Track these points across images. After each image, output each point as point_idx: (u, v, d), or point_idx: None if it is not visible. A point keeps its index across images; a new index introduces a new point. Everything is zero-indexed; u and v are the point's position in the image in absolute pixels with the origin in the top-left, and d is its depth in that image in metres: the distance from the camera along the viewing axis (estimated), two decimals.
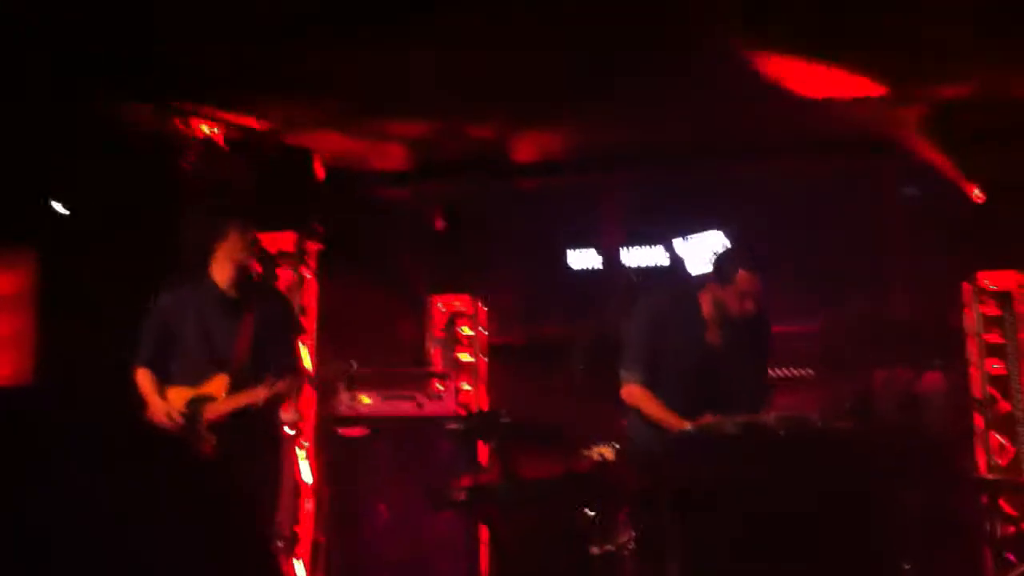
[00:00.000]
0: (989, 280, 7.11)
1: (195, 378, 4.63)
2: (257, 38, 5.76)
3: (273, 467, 4.82)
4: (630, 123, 7.07)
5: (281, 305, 4.98)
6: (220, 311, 4.71)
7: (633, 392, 4.86)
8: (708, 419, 4.56)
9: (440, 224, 7.67)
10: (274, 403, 4.68)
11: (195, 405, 4.56)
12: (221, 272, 4.74)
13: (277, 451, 4.99)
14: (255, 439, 4.58)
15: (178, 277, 4.91)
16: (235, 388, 4.54)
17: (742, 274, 4.85)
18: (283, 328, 4.81)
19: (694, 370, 4.84)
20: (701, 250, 7.41)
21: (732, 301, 4.87)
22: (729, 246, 5.04)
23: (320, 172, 7.33)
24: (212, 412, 4.53)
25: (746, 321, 4.90)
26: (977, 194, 6.83)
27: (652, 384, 4.87)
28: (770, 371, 5.72)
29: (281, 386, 4.58)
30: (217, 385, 4.58)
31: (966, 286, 7.15)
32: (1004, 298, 7.13)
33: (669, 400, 4.80)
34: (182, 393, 4.62)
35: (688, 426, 4.62)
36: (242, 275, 4.76)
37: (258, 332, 4.63)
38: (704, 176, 7.40)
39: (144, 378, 4.69)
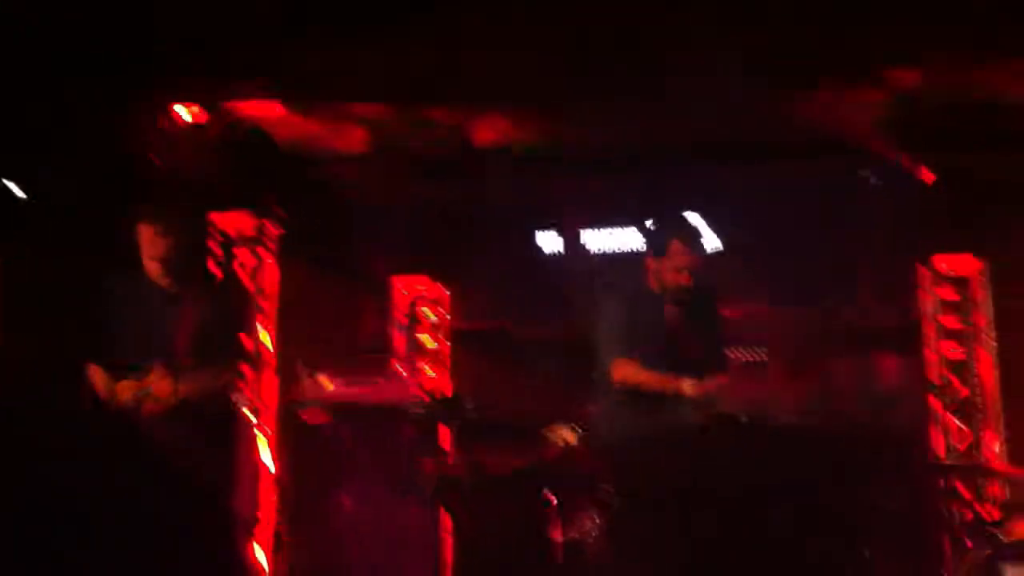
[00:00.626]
0: (946, 264, 7.19)
1: (140, 370, 4.59)
2: (215, 23, 5.71)
3: (226, 455, 4.76)
4: (596, 119, 7.09)
5: (227, 294, 4.90)
6: (162, 301, 4.64)
7: (628, 371, 4.85)
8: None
9: (404, 207, 7.63)
10: (218, 392, 4.61)
11: (141, 396, 4.52)
12: (160, 262, 4.67)
13: (231, 439, 4.91)
14: (205, 428, 4.53)
15: (127, 267, 4.85)
16: (178, 378, 4.49)
17: (675, 245, 4.88)
18: (228, 317, 4.73)
19: (662, 348, 4.87)
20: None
21: (668, 273, 4.89)
22: (661, 220, 5.08)
23: (280, 155, 7.27)
24: (154, 403, 4.48)
25: (697, 297, 4.94)
26: (927, 176, 6.91)
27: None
28: (731, 353, 5.77)
29: (224, 376, 4.52)
30: (159, 376, 4.51)
31: (923, 270, 7.22)
32: (961, 283, 7.23)
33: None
34: (130, 385, 4.59)
35: (687, 386, 4.66)
36: (184, 264, 4.67)
37: (202, 322, 4.57)
38: (661, 174, 7.42)
39: (95, 371, 4.66)
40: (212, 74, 6.28)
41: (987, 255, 7.12)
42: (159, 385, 4.47)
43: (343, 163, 7.80)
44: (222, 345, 4.61)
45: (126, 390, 4.51)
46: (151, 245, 4.64)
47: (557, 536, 4.69)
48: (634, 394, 4.75)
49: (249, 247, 7.22)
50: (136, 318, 4.62)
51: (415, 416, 5.98)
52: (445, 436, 6.11)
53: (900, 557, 5.03)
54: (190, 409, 4.47)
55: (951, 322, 7.19)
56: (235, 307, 4.96)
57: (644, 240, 5.05)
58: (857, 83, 6.71)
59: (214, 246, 7.18)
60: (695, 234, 4.95)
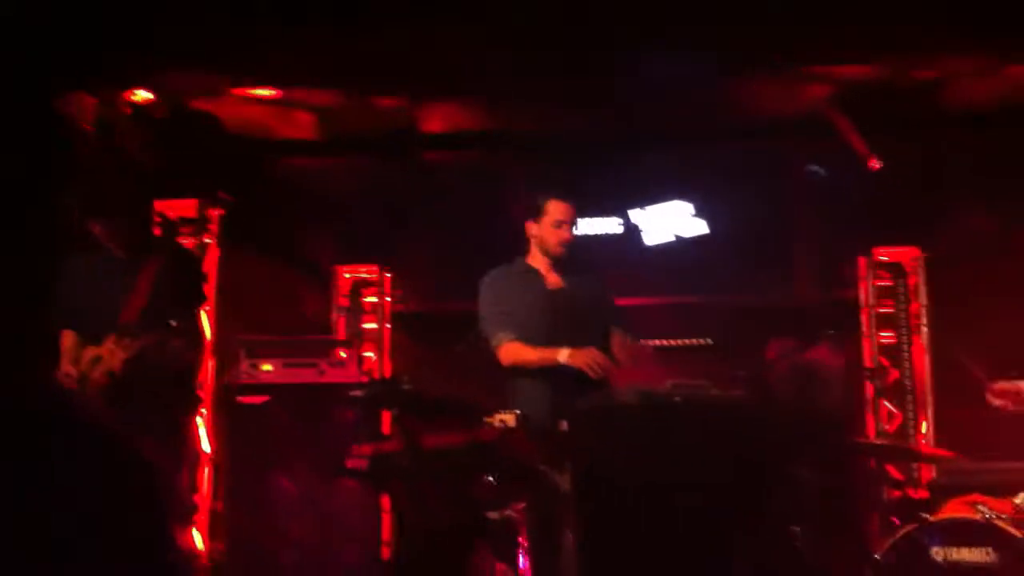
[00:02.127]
0: (886, 255, 7.31)
1: (95, 339, 4.59)
2: (162, 5, 5.67)
3: (172, 433, 4.75)
4: (541, 106, 7.12)
5: (178, 264, 4.86)
6: (112, 272, 4.63)
7: (509, 349, 4.91)
8: (589, 352, 4.66)
9: (355, 194, 7.62)
10: (165, 363, 4.59)
11: (91, 365, 4.52)
12: (113, 233, 4.67)
13: (176, 418, 4.91)
14: (152, 403, 4.51)
15: (82, 241, 4.84)
16: (125, 348, 4.48)
17: (552, 203, 4.89)
18: (177, 288, 4.71)
19: (546, 320, 4.90)
20: (660, 220, 7.51)
21: (548, 234, 4.90)
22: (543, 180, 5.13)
23: (224, 139, 7.23)
24: (99, 371, 4.47)
25: (579, 267, 4.98)
26: (874, 164, 7.00)
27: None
28: (670, 340, 5.82)
29: (173, 345, 4.51)
30: (109, 345, 4.51)
31: (862, 260, 7.34)
32: (897, 269, 7.35)
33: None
34: (87, 353, 4.59)
35: (564, 355, 4.70)
36: (132, 234, 4.68)
37: (153, 292, 4.55)
38: (610, 162, 7.47)
39: (66, 339, 4.66)
40: (157, 57, 6.23)
41: (924, 243, 7.25)
42: (111, 354, 4.45)
43: (287, 148, 7.78)
44: (170, 317, 4.58)
45: (84, 359, 4.50)
46: (98, 223, 4.63)
47: (492, 515, 4.71)
48: (565, 375, 4.80)
49: (191, 230, 7.18)
50: (88, 292, 4.61)
51: (355, 398, 5.98)
52: (384, 418, 6.12)
53: (829, 535, 5.12)
54: (136, 383, 4.45)
55: (887, 308, 7.32)
56: (188, 280, 4.92)
57: (526, 208, 5.04)
58: (800, 74, 6.81)
59: (156, 231, 7.14)
60: (570, 195, 4.95)
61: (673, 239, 7.44)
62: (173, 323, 4.50)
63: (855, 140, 6.87)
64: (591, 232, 7.55)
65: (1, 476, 3.58)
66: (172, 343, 4.56)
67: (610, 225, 7.65)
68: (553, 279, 5.03)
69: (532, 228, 5.00)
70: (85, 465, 3.91)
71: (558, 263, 4.99)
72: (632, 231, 7.59)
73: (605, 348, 4.97)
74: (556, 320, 4.91)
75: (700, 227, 7.54)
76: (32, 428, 3.91)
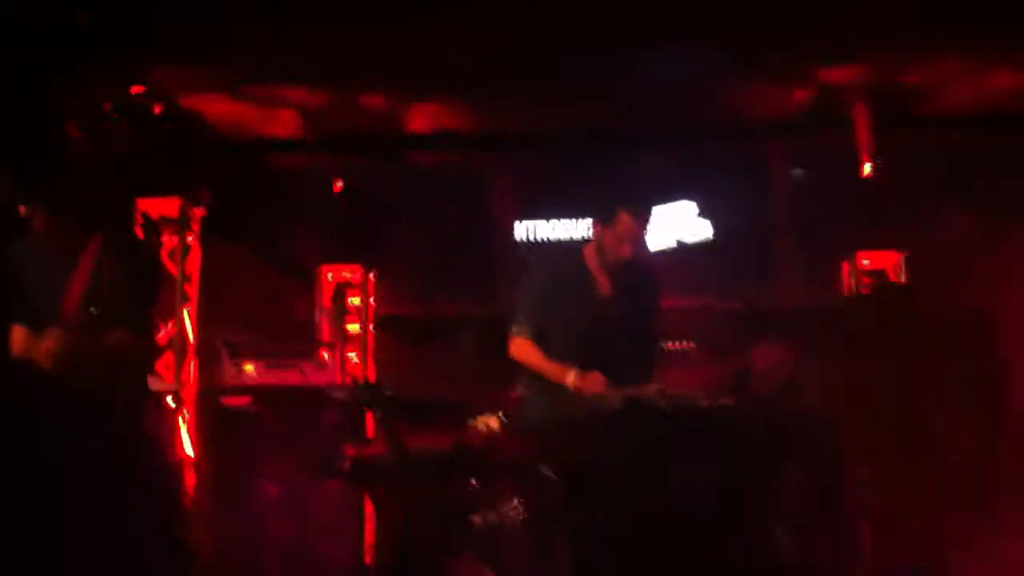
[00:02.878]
0: (869, 260, 7.34)
1: (41, 331, 4.48)
2: (147, 3, 5.64)
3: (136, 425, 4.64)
4: (527, 106, 7.12)
5: (132, 257, 4.72)
6: (54, 263, 4.52)
7: (520, 345, 4.83)
8: (595, 378, 4.59)
9: (336, 195, 7.57)
10: (106, 357, 4.45)
11: (43, 354, 4.41)
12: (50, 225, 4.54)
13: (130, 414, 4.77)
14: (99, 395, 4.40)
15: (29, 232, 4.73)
16: (68, 341, 4.35)
17: (623, 216, 4.78)
18: (128, 281, 4.57)
19: (587, 324, 4.82)
20: (666, 221, 7.49)
21: (611, 243, 4.82)
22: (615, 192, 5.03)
23: (209, 137, 7.19)
24: (50, 362, 4.34)
25: (634, 275, 4.90)
26: (867, 170, 7.03)
27: (542, 340, 4.83)
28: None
29: (110, 341, 4.39)
30: (50, 338, 4.39)
31: (845, 265, 7.36)
32: (880, 275, 7.37)
33: (563, 356, 4.80)
34: (35, 343, 4.47)
35: (571, 378, 4.64)
36: (72, 225, 4.53)
37: (97, 284, 4.43)
38: (597, 161, 7.46)
39: (16, 334, 4.55)
40: (142, 55, 6.20)
41: (905, 249, 7.28)
42: (48, 347, 4.34)
43: (272, 147, 7.75)
44: (118, 312, 4.47)
45: (33, 349, 4.40)
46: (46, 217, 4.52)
47: (477, 520, 4.69)
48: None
49: (174, 230, 7.14)
50: (47, 282, 4.51)
51: (337, 401, 5.95)
52: (368, 421, 6.09)
53: (820, 542, 5.12)
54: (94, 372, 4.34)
55: None
56: (146, 269, 4.79)
57: (594, 208, 4.95)
58: (789, 78, 6.83)
59: (138, 230, 7.10)
60: (644, 212, 4.88)
61: (675, 244, 7.44)
62: (93, 310, 4.35)
63: (866, 141, 6.92)
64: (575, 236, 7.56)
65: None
66: (111, 337, 4.42)
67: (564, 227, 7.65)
68: (604, 285, 4.97)
69: (598, 230, 4.90)
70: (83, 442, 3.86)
71: (612, 272, 4.91)
72: None
73: (651, 359, 4.91)
74: (599, 329, 4.84)
75: (704, 230, 7.52)
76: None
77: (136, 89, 6.66)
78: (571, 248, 5.07)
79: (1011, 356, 6.76)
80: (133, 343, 4.44)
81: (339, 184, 7.43)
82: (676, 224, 7.53)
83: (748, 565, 4.19)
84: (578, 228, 7.67)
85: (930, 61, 6.52)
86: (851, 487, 5.30)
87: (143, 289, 4.57)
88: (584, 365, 4.68)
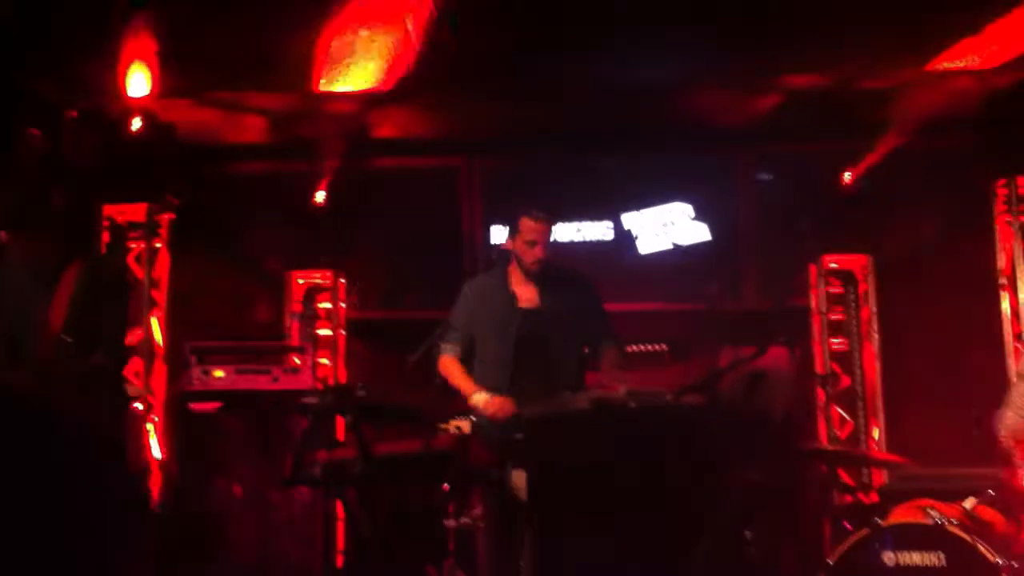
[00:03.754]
0: (836, 263, 7.40)
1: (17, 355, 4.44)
2: (110, 7, 5.61)
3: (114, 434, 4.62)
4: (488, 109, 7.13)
5: (106, 272, 4.69)
6: (34, 280, 4.48)
7: (443, 361, 5.01)
8: (503, 404, 4.73)
9: (307, 199, 7.56)
10: (99, 374, 4.44)
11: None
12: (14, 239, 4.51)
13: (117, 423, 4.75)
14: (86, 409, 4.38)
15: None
16: (47, 366, 4.33)
17: (524, 221, 4.93)
18: (105, 297, 4.55)
19: (513, 335, 4.91)
20: (655, 224, 7.52)
21: (522, 250, 4.95)
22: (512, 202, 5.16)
23: (175, 143, 7.15)
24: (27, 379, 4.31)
25: (563, 281, 5.00)
26: (847, 178, 7.11)
27: (470, 355, 5.00)
28: (627, 347, 5.82)
29: (96, 359, 4.38)
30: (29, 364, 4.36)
31: (812, 268, 7.42)
32: (847, 277, 7.44)
33: (494, 369, 4.90)
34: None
35: (478, 399, 4.77)
36: (45, 241, 4.50)
37: (77, 301, 4.41)
38: (560, 164, 7.49)
39: None
40: (105, 60, 6.16)
41: (873, 251, 7.35)
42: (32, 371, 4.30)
43: (239, 153, 7.71)
44: (103, 328, 4.45)
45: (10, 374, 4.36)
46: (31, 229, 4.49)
47: (449, 523, 4.70)
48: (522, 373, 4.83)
49: (141, 235, 7.11)
50: (14, 299, 4.46)
51: (307, 405, 5.93)
52: (338, 425, 6.08)
53: (781, 539, 5.16)
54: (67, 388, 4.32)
55: (837, 315, 7.41)
56: (118, 291, 4.77)
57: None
58: (750, 83, 6.88)
59: (105, 235, 7.06)
60: (542, 212, 4.97)
61: (671, 247, 7.48)
62: (68, 339, 4.35)
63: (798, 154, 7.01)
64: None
65: None
66: (90, 361, 4.41)
67: (569, 231, 7.66)
68: (528, 296, 5.02)
69: (508, 244, 5.02)
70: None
71: (537, 277, 4.99)
72: (621, 236, 7.60)
73: (580, 366, 4.98)
74: (521, 340, 4.91)
75: (701, 232, 7.55)
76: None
77: (98, 95, 6.61)
78: (497, 264, 5.13)
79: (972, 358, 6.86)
80: (111, 364, 4.44)
81: (318, 195, 7.42)
82: (671, 226, 7.55)
83: (714, 567, 4.22)
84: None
85: (890, 67, 6.58)
86: (811, 486, 5.36)
87: (116, 309, 4.55)
88: (514, 375, 4.85)
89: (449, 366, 4.99)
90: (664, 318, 7.19)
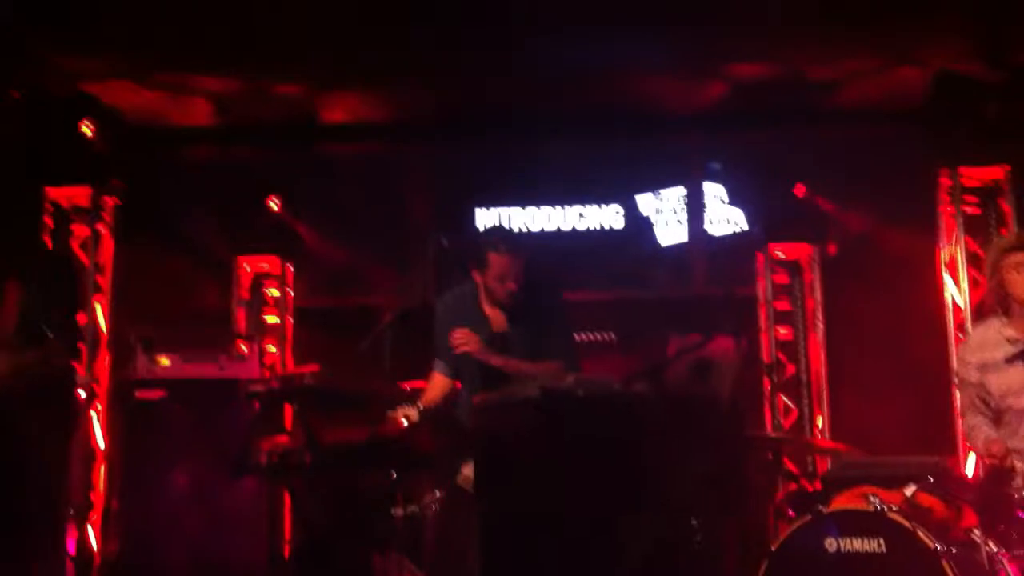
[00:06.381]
0: (781, 252, 7.47)
1: None
2: None
3: (57, 435, 4.58)
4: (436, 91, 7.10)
5: (54, 269, 4.65)
6: None
7: (430, 378, 5.01)
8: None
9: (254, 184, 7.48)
10: (49, 369, 4.40)
11: None
12: None
13: (62, 420, 4.71)
14: (36, 408, 4.34)
15: None
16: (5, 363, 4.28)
17: (491, 257, 4.78)
18: (55, 292, 4.50)
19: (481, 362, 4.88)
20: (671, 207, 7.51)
21: (493, 284, 4.82)
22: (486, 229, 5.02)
23: (120, 125, 7.05)
24: None
25: (531, 298, 4.89)
26: (799, 188, 7.18)
27: (456, 375, 4.96)
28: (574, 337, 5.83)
29: (54, 352, 4.34)
30: None
31: (760, 257, 7.48)
32: (793, 267, 7.52)
33: (470, 386, 4.89)
34: None
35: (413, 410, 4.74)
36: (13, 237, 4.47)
37: (27, 298, 4.36)
38: (511, 151, 7.47)
39: None
40: (50, 40, 6.05)
41: (818, 241, 7.42)
42: None
43: (185, 137, 7.62)
44: (52, 321, 4.41)
45: None
46: None
47: (397, 511, 4.68)
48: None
49: (85, 220, 7.00)
50: None
51: (255, 393, 5.89)
52: (285, 413, 6.04)
53: (727, 527, 5.21)
54: (17, 386, 4.28)
55: (783, 305, 7.49)
56: (67, 281, 4.72)
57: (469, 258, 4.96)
58: (703, 73, 6.92)
59: (48, 219, 6.94)
60: (509, 245, 4.85)
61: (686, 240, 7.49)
62: (49, 334, 4.31)
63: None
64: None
65: None
66: (54, 356, 4.37)
67: (520, 219, 7.66)
68: (499, 320, 4.95)
69: (477, 277, 4.88)
70: None
71: (507, 307, 4.92)
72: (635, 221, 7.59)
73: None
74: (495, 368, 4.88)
75: (737, 218, 7.51)
76: None
77: (42, 76, 6.50)
78: (468, 282, 5.03)
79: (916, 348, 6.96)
80: (64, 353, 4.39)
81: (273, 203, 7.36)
82: (708, 213, 7.49)
83: (657, 554, 4.24)
84: (500, 218, 7.67)
85: (839, 57, 6.64)
86: (756, 473, 5.42)
87: (65, 297, 4.51)
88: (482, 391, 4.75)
89: (431, 384, 5.00)
90: (612, 307, 7.21)
